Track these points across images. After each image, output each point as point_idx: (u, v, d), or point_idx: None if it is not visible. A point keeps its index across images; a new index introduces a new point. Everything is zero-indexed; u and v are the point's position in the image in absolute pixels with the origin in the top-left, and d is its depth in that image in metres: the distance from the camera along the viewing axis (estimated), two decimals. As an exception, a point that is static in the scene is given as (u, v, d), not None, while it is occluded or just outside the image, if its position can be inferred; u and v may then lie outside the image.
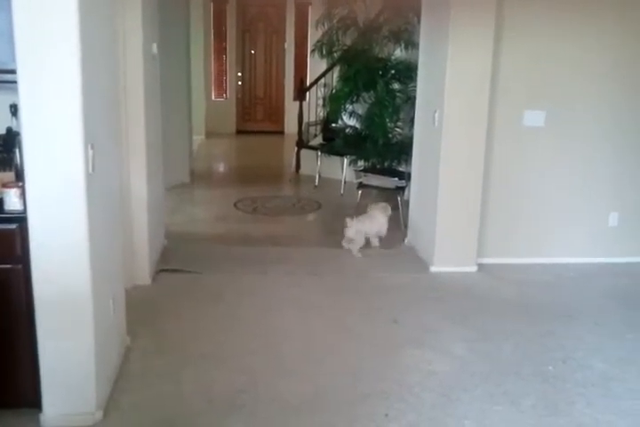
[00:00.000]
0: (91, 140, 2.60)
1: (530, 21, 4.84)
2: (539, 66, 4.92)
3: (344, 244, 5.43)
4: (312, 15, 12.41)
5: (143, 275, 4.46)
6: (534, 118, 4.99)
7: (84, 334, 2.71)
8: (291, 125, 12.19)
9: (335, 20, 7.83)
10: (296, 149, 9.40)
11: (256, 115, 14.21)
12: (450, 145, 4.78)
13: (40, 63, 2.46)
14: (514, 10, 4.76)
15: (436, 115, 4.86)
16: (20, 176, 2.63)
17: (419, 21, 5.75)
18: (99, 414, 2.81)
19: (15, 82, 2.46)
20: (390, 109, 6.90)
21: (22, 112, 2.49)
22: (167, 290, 4.44)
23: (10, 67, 2.48)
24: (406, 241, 5.68)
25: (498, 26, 4.67)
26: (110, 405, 2.92)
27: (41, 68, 2.47)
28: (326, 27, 7.90)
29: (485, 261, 5.07)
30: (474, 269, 4.98)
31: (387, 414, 2.94)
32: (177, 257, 4.94)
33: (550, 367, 3.44)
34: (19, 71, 2.45)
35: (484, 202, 4.95)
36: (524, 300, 4.47)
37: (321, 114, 9.30)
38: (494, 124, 4.90)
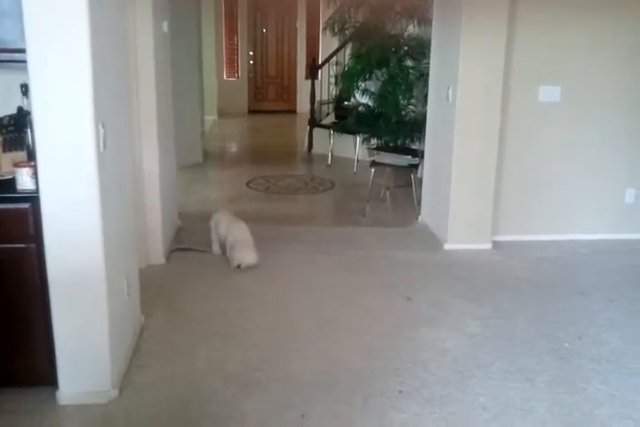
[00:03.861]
0: (101, 119, 2.59)
1: (545, -4, 4.76)
2: (554, 40, 4.85)
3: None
4: (324, -8, 12.28)
5: (157, 254, 4.47)
6: (550, 94, 4.92)
7: (97, 312, 2.72)
8: (303, 104, 12.13)
9: (347, -3, 7.73)
10: (308, 127, 9.36)
11: (268, 94, 14.15)
12: (464, 121, 4.73)
13: (49, 42, 2.45)
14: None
15: (450, 91, 4.81)
16: (31, 155, 2.64)
17: (431, -3, 5.66)
18: (114, 392, 2.83)
19: (25, 61, 2.45)
20: (403, 87, 6.84)
21: (33, 91, 2.49)
22: (181, 269, 4.46)
23: (19, 46, 2.47)
24: (420, 219, 5.66)
25: (512, 1, 4.59)
26: (125, 383, 2.94)
27: (50, 46, 2.46)
28: (338, 4, 7.81)
29: (500, 238, 5.04)
30: (488, 246, 4.95)
31: (401, 391, 2.95)
32: (190, 237, 4.95)
33: (566, 344, 3.43)
34: (28, 50, 2.44)
35: (499, 178, 4.91)
36: (538, 277, 4.45)
37: (333, 92, 9.25)
38: (509, 100, 4.84)
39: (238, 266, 4.37)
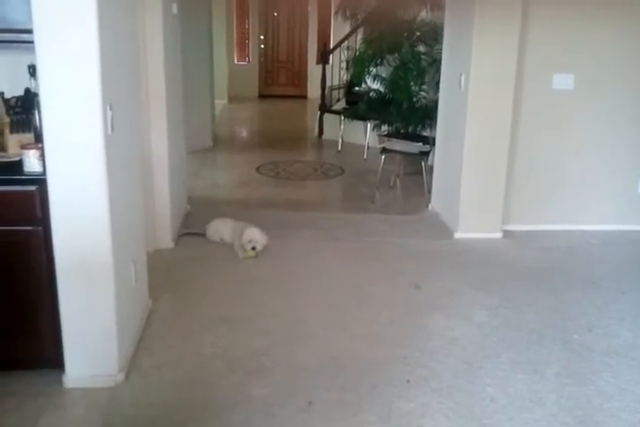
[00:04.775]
0: (109, 101, 2.56)
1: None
2: (569, 27, 4.77)
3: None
4: (336, -24, 12.16)
5: (165, 238, 4.46)
6: (563, 81, 4.85)
7: (105, 296, 2.71)
8: (313, 89, 12.07)
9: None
10: (319, 113, 9.30)
11: (279, 79, 14.09)
12: (476, 109, 4.67)
13: (56, 22, 2.42)
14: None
15: (463, 78, 4.74)
16: (39, 137, 2.60)
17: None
18: (120, 376, 2.82)
19: (32, 42, 2.42)
20: (415, 72, 6.77)
21: (40, 72, 2.45)
22: (189, 254, 4.44)
23: (27, 26, 2.43)
24: (430, 207, 5.62)
25: (527, -14, 4.53)
26: (132, 367, 2.93)
27: (58, 27, 2.42)
28: (350, -12, 7.73)
29: (510, 227, 5.00)
30: (499, 235, 4.91)
31: (408, 381, 2.92)
32: (200, 222, 4.92)
33: (576, 336, 3.39)
34: (35, 31, 2.41)
35: (510, 167, 4.85)
36: (548, 267, 4.40)
37: (344, 77, 9.18)
38: (522, 88, 4.78)
39: (253, 248, 4.31)
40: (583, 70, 4.85)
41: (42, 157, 2.53)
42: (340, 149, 8.40)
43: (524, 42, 4.67)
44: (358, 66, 7.57)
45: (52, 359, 2.75)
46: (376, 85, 7.54)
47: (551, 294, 3.93)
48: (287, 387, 2.86)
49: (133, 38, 3.22)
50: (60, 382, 2.76)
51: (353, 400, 2.77)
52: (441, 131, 5.50)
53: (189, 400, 2.74)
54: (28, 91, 2.82)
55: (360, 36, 8.32)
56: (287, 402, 2.74)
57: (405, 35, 6.99)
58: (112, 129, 2.60)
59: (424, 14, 7.13)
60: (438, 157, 5.57)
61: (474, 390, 2.88)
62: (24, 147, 2.58)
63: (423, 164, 5.99)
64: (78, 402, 2.70)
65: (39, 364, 2.80)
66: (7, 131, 2.82)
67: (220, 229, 4.61)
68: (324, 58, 9.40)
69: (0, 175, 2.58)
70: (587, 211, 5.14)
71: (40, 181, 2.54)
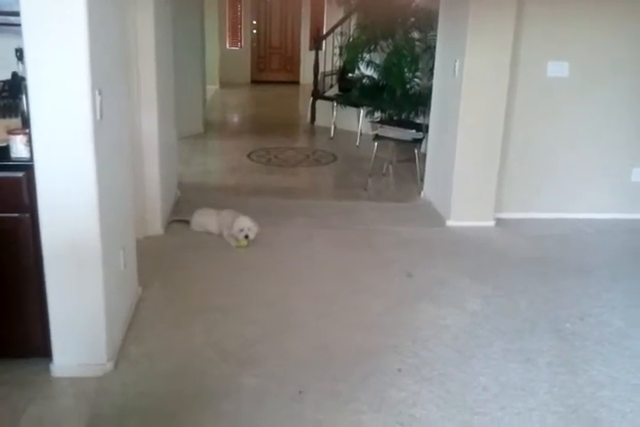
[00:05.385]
0: (98, 86, 2.51)
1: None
2: (564, 14, 4.73)
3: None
4: (330, -39, 12.03)
5: (155, 225, 4.42)
6: (558, 69, 4.82)
7: (93, 283, 2.67)
8: (306, 75, 12.00)
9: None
10: (311, 99, 9.25)
11: (271, 64, 14.00)
12: (470, 96, 4.63)
13: (45, 5, 2.35)
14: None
15: (457, 65, 4.70)
16: (26, 123, 2.55)
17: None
18: (109, 365, 2.79)
19: (20, 25, 2.36)
20: (409, 59, 6.73)
21: (27, 56, 2.40)
22: (179, 241, 4.40)
23: (14, 8, 2.39)
24: (422, 195, 5.59)
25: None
26: (121, 355, 2.90)
27: (46, 9, 2.36)
28: (344, -27, 7.66)
29: (503, 215, 4.98)
30: (491, 223, 4.89)
31: (400, 369, 2.91)
32: (190, 208, 4.87)
33: (568, 325, 3.39)
34: (22, 13, 2.34)
35: (504, 155, 4.83)
36: (541, 255, 4.39)
37: (337, 64, 9.11)
38: (517, 75, 4.74)
39: (246, 236, 4.27)
40: (578, 58, 4.82)
41: (29, 142, 2.48)
42: (332, 135, 8.35)
43: (520, 28, 4.63)
44: (351, 52, 7.52)
45: (40, 348, 2.72)
46: (369, 72, 7.50)
47: (544, 283, 3.92)
48: (278, 376, 2.83)
49: (123, 22, 3.16)
50: (47, 370, 2.73)
51: (344, 390, 2.75)
52: (434, 118, 5.46)
53: (180, 390, 2.72)
54: (15, 75, 2.77)
55: (353, 21, 8.25)
56: (278, 391, 2.71)
57: (399, 20, 6.94)
58: (101, 115, 2.55)
59: (419, 0, 7.07)
60: (431, 145, 5.53)
61: (466, 378, 2.86)
62: (11, 132, 2.53)
63: (416, 151, 5.95)
64: (66, 391, 2.67)
65: (27, 352, 2.77)
66: (-6, 116, 2.77)
67: (203, 221, 4.56)
68: (316, 43, 9.33)
69: (-14, 161, 2.53)
70: (580, 199, 5.13)
71: (27, 167, 2.49)
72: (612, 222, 5.03)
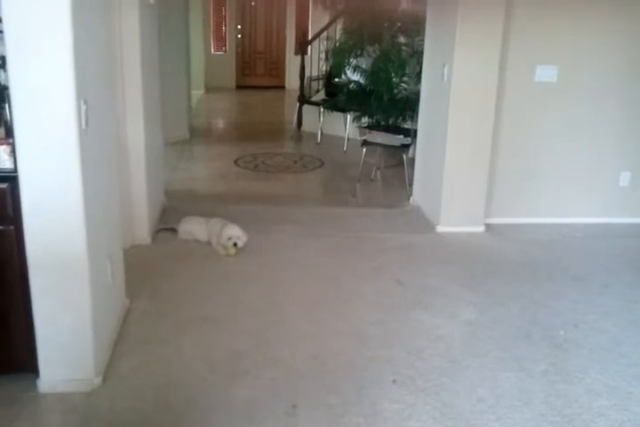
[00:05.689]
0: (83, 95, 2.45)
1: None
2: (552, 19, 4.71)
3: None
4: (314, -35, 12.01)
5: (142, 234, 4.35)
6: (547, 74, 4.80)
7: (80, 296, 2.60)
8: (292, 80, 11.95)
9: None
10: (298, 104, 9.20)
11: (256, 69, 13.93)
12: (459, 101, 4.60)
13: (28, 11, 2.29)
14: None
15: (445, 69, 4.67)
16: (9, 132, 2.48)
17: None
18: (97, 380, 2.72)
19: (2, 31, 2.30)
20: (396, 64, 6.68)
21: (10, 64, 2.33)
22: (167, 250, 4.34)
23: (-4, 15, 2.31)
24: (411, 200, 5.55)
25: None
26: (109, 370, 2.84)
27: (29, 16, 2.29)
28: (330, -23, 7.63)
29: (493, 220, 4.95)
30: (481, 229, 4.86)
31: (394, 381, 2.86)
32: (177, 216, 4.81)
33: (562, 332, 3.35)
34: (5, 20, 2.28)
35: (493, 160, 4.80)
36: (532, 261, 4.36)
37: (323, 68, 9.06)
38: (505, 80, 4.72)
39: (235, 244, 4.21)
40: (567, 63, 4.80)
41: (13, 152, 2.41)
42: (319, 141, 8.31)
43: (508, 33, 4.60)
44: (338, 57, 7.47)
45: (26, 363, 2.65)
46: (356, 77, 7.45)
47: (536, 289, 3.89)
48: (270, 389, 2.78)
49: (109, 29, 3.10)
50: (34, 386, 2.66)
51: (338, 402, 2.70)
52: (422, 123, 5.43)
53: (169, 404, 2.66)
54: (-3, 83, 2.70)
55: (340, 26, 8.22)
56: (270, 405, 2.66)
57: (386, 25, 6.90)
58: (86, 124, 2.49)
59: (405, 4, 7.05)
60: (420, 150, 5.50)
61: (461, 389, 2.82)
62: (-6, 142, 2.46)
63: (404, 156, 5.92)
64: (54, 408, 2.60)
65: (12, 368, 2.69)
66: (-24, 125, 2.69)
67: (191, 229, 4.49)
68: (302, 48, 9.28)
69: (-32, 172, 2.46)
70: (570, 204, 5.11)
71: (11, 178, 2.42)
72: (601, 227, 5.02)
